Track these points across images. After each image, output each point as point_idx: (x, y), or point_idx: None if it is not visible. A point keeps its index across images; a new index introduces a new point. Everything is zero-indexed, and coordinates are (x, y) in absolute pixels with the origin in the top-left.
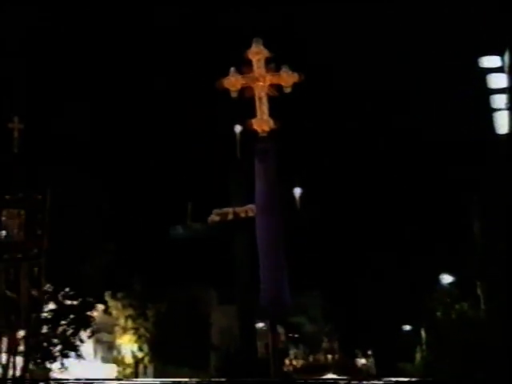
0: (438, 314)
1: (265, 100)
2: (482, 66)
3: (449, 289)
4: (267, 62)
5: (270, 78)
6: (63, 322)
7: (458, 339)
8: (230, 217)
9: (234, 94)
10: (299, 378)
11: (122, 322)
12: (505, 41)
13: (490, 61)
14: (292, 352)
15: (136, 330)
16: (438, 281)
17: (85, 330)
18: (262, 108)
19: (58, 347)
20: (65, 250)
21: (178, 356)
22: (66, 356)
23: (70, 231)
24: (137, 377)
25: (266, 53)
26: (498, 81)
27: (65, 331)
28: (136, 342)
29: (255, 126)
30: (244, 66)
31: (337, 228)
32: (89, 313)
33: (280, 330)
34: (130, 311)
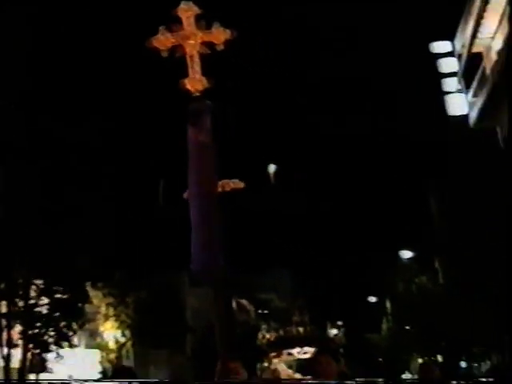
0: (400, 287)
1: (197, 58)
2: (432, 51)
3: (408, 264)
4: (197, 19)
5: (201, 36)
6: (57, 315)
7: (419, 310)
8: None
9: (164, 54)
10: (272, 351)
11: (103, 309)
12: (454, 26)
13: (440, 46)
14: (263, 327)
15: (117, 316)
16: (398, 256)
17: (77, 321)
18: (194, 67)
19: (53, 339)
20: (53, 248)
21: (156, 339)
22: (61, 346)
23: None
24: (120, 360)
25: (195, 10)
26: (448, 65)
27: (58, 323)
28: (118, 328)
29: (188, 86)
30: (173, 24)
31: (303, 206)
32: (80, 305)
33: (250, 307)
34: (110, 299)
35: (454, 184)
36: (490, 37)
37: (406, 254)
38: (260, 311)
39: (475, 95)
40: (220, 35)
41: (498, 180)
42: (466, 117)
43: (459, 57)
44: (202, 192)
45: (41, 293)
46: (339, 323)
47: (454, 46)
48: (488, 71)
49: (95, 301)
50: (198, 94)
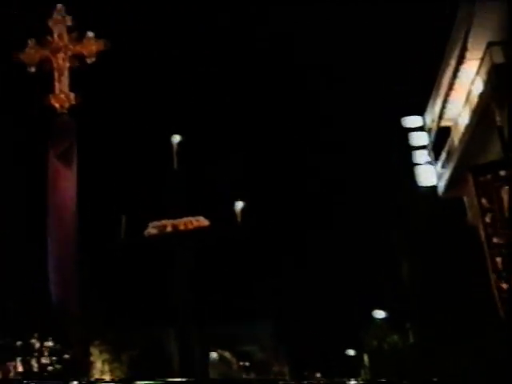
0: (374, 343)
1: (66, 72)
2: (404, 125)
3: (381, 323)
4: (70, 30)
5: (72, 48)
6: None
7: (391, 366)
8: (169, 229)
9: (31, 69)
10: None
11: (98, 365)
12: (424, 102)
13: (411, 121)
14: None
15: (112, 372)
16: (371, 316)
17: (84, 378)
18: (62, 81)
19: None
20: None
21: None
22: None
23: None
24: None
25: (68, 20)
26: (419, 138)
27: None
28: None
29: (53, 102)
30: (43, 37)
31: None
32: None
33: (232, 359)
34: (105, 356)
35: (423, 249)
36: (457, 112)
37: (379, 314)
38: (242, 363)
39: (443, 166)
40: (92, 46)
41: (465, 246)
42: (435, 187)
43: (429, 131)
44: (61, 223)
45: (51, 353)
46: (318, 375)
47: (424, 121)
48: (456, 144)
49: (92, 358)
50: (63, 111)
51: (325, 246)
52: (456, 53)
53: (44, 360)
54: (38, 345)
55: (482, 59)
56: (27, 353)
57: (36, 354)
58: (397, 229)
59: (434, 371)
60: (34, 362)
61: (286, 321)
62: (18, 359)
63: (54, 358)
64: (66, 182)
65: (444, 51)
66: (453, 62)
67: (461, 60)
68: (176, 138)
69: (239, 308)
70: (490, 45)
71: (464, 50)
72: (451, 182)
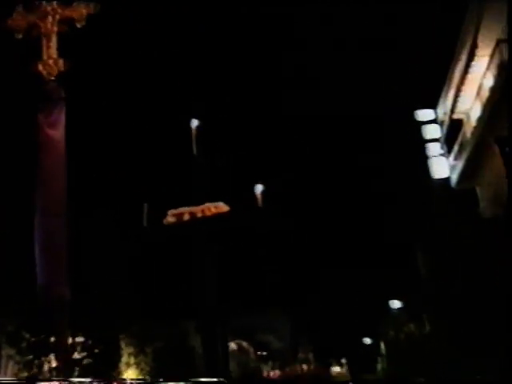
0: (391, 333)
1: (54, 38)
2: (417, 118)
3: (397, 313)
4: None
5: (60, 12)
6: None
7: (408, 355)
8: (186, 217)
9: (18, 35)
10: None
11: (124, 359)
12: (436, 96)
13: (424, 114)
14: (265, 366)
15: (137, 365)
16: (388, 306)
17: (114, 371)
18: (51, 47)
19: None
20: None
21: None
22: None
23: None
24: None
25: None
26: (431, 131)
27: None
28: (139, 375)
29: (40, 69)
30: (31, 1)
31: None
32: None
33: (249, 348)
34: (131, 349)
35: (438, 241)
36: (469, 105)
37: (396, 304)
38: (259, 353)
39: (456, 159)
40: (81, 10)
41: (478, 237)
42: (447, 179)
43: (441, 123)
44: (50, 197)
45: (82, 349)
46: (343, 361)
47: (436, 114)
48: (468, 136)
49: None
50: (51, 79)
51: (345, 236)
52: (466, 49)
53: (77, 355)
54: (70, 340)
55: (492, 56)
56: (60, 349)
57: (69, 349)
58: (412, 221)
59: (448, 363)
60: (67, 358)
61: (304, 310)
62: (52, 355)
63: (84, 353)
64: (56, 151)
65: (455, 46)
66: (464, 58)
67: (471, 56)
68: (194, 123)
69: (256, 298)
70: (499, 42)
71: (474, 46)
72: (464, 174)
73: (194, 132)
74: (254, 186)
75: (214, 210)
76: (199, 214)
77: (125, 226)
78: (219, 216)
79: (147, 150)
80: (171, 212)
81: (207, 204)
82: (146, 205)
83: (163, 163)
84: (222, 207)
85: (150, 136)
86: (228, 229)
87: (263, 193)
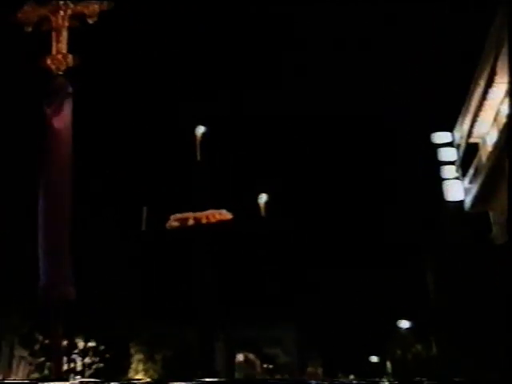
0: (398, 352)
1: (64, 32)
2: (433, 141)
3: (405, 333)
4: None
5: (72, 7)
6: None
7: (414, 375)
8: (191, 222)
9: (28, 28)
10: None
11: (133, 365)
12: (453, 119)
13: (441, 137)
14: (274, 379)
15: (146, 371)
16: (396, 325)
17: (123, 375)
18: (61, 41)
19: None
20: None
21: None
22: None
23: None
24: None
25: None
26: (447, 154)
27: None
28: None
29: (49, 64)
30: None
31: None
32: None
33: (256, 361)
34: (140, 356)
35: (450, 262)
36: (485, 130)
37: (404, 324)
38: (266, 365)
39: (471, 182)
40: (94, 6)
41: (490, 260)
42: (461, 202)
43: (458, 147)
44: (55, 185)
45: (94, 354)
46: (351, 377)
47: (453, 137)
48: (483, 160)
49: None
50: (59, 73)
51: (353, 253)
52: (485, 75)
53: (88, 359)
54: (81, 344)
55: (511, 83)
56: (72, 352)
57: (80, 353)
58: (424, 241)
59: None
60: (78, 361)
61: (310, 326)
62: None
63: (96, 358)
64: (62, 146)
65: (474, 71)
66: (482, 84)
67: (490, 83)
68: (200, 129)
69: (263, 311)
70: None
71: (493, 73)
72: (478, 197)
73: (198, 138)
74: (256, 190)
75: (218, 217)
76: (204, 220)
77: (126, 228)
78: (223, 223)
79: (152, 154)
80: (175, 216)
81: (211, 210)
82: (145, 208)
83: (166, 167)
84: (226, 215)
85: (155, 140)
86: (231, 235)
87: (267, 203)
